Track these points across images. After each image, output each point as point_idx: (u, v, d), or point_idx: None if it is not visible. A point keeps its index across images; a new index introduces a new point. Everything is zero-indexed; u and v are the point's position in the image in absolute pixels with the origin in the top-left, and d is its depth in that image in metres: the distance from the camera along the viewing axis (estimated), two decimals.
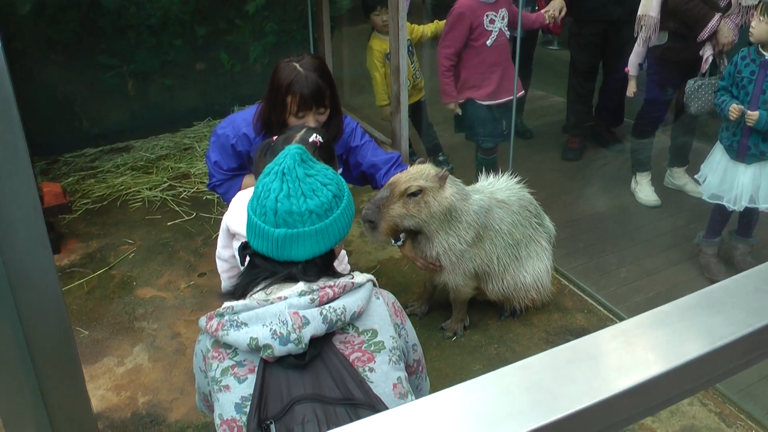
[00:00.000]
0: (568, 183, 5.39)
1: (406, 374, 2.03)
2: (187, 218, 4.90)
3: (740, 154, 3.98)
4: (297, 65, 3.18)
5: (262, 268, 1.96)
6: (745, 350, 0.89)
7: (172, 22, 5.81)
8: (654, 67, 4.80)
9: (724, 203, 4.09)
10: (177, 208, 5.01)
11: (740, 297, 0.92)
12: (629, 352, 0.84)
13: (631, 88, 4.91)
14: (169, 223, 4.85)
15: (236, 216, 2.92)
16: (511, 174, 3.80)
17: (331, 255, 2.02)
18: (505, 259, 3.56)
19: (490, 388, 0.78)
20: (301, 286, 1.89)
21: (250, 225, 1.95)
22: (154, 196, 5.16)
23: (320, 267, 1.97)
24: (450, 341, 3.73)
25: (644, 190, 5.08)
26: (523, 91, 4.96)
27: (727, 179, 4.06)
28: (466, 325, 3.79)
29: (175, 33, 5.87)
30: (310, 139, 2.62)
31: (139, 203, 5.09)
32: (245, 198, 2.91)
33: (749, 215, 4.18)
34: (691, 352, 0.83)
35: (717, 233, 4.31)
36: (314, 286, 1.90)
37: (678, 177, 5.14)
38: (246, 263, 2.05)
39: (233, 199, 2.99)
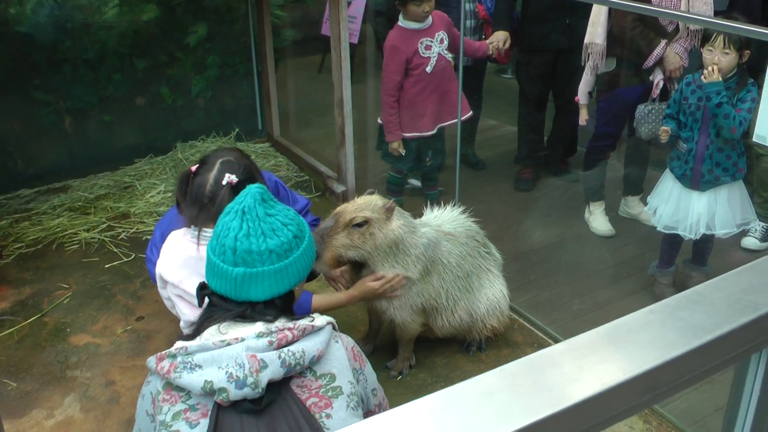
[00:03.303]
0: (520, 214, 5.41)
1: None
2: (125, 260, 4.81)
3: (694, 181, 4.01)
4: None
5: (219, 307, 1.95)
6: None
7: (110, 56, 5.77)
8: (603, 94, 4.85)
9: (679, 233, 4.11)
10: (115, 250, 4.92)
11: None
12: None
13: (583, 117, 4.95)
14: (106, 266, 4.76)
15: (167, 264, 2.86)
16: (457, 204, 3.80)
17: (290, 296, 2.02)
18: (455, 293, 3.55)
19: (451, 400, 0.82)
20: (259, 326, 1.88)
21: (209, 265, 1.96)
22: (92, 238, 5.07)
23: (279, 308, 1.97)
24: (395, 381, 3.68)
25: (598, 219, 5.10)
26: (471, 112, 4.97)
27: (681, 208, 4.08)
28: (412, 364, 3.75)
29: (113, 67, 5.82)
30: (224, 181, 2.60)
31: (76, 246, 4.99)
32: (173, 244, 2.86)
33: (703, 243, 4.21)
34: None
35: (670, 263, 4.34)
36: (273, 327, 1.89)
37: (632, 206, 5.17)
38: (205, 304, 2.03)
39: (164, 245, 2.94)
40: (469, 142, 5.99)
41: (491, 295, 3.68)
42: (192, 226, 2.76)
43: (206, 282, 2.03)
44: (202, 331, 1.94)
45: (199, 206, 2.65)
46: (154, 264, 3.43)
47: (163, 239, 3.27)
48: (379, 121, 4.83)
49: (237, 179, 2.60)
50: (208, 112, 6.35)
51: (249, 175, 2.67)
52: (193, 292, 2.77)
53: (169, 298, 2.98)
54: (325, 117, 6.09)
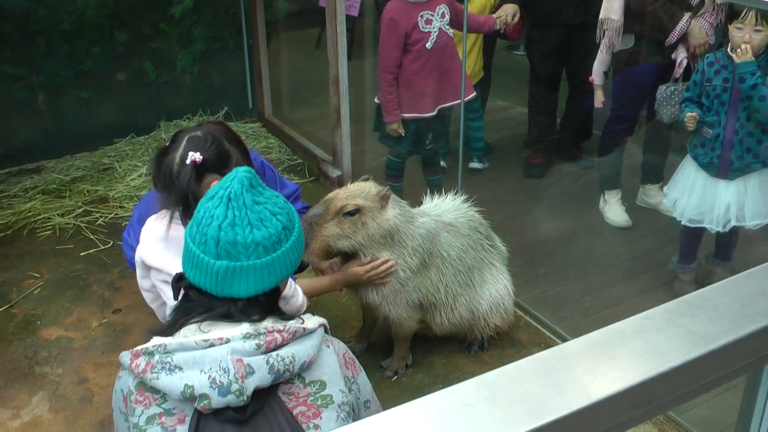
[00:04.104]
0: (528, 203, 5.39)
1: None
2: (102, 247, 4.81)
3: (722, 169, 3.96)
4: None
5: (197, 303, 1.90)
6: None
7: (88, 27, 5.73)
8: (620, 74, 4.81)
9: (705, 226, 4.07)
10: (92, 236, 4.91)
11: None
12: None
13: (599, 99, 4.91)
14: (82, 254, 4.75)
15: (149, 248, 2.84)
16: (459, 192, 3.78)
17: (276, 293, 1.96)
18: (455, 288, 3.53)
19: (447, 402, 0.81)
20: (246, 327, 1.83)
21: (188, 254, 1.90)
22: (67, 223, 5.06)
23: (264, 306, 1.91)
24: (390, 381, 3.68)
25: (613, 209, 5.07)
26: (474, 93, 4.95)
27: (706, 199, 4.03)
28: (408, 364, 3.75)
29: (91, 39, 5.79)
30: (188, 160, 2.58)
31: (49, 231, 4.99)
32: (152, 228, 2.84)
33: (727, 236, 4.17)
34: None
35: (691, 257, 4.30)
36: (261, 328, 1.83)
37: (652, 195, 5.14)
38: (180, 296, 1.99)
39: (143, 229, 2.92)
40: None
41: (494, 290, 3.66)
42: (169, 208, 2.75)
43: (183, 273, 1.97)
44: (179, 328, 1.91)
45: (170, 187, 2.65)
46: (131, 247, 3.43)
47: (141, 221, 3.27)
48: (376, 100, 4.79)
49: (201, 157, 2.58)
50: (195, 89, 6.32)
51: (219, 151, 2.65)
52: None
53: (150, 290, 2.97)
54: (321, 96, 6.04)
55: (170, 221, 2.67)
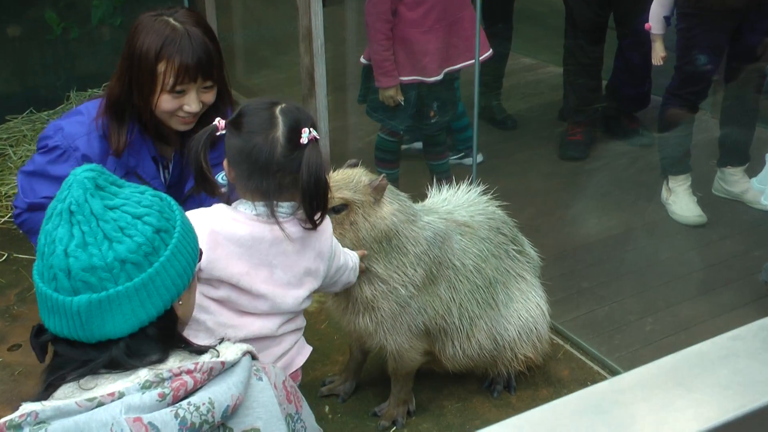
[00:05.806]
0: (567, 194, 5.42)
1: None
2: None
3: None
4: (170, 19, 3.16)
5: (68, 358, 1.87)
6: None
7: None
8: (687, 20, 4.81)
9: None
10: None
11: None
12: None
13: (658, 53, 4.92)
14: None
15: (220, 255, 2.71)
16: (475, 182, 3.80)
17: (169, 318, 1.94)
18: (471, 309, 3.55)
19: None
20: (144, 374, 1.81)
21: (40, 297, 1.86)
22: None
23: (156, 340, 1.90)
24: None
25: (681, 201, 5.09)
26: (490, 50, 4.96)
27: None
28: (410, 410, 3.77)
29: None
30: (303, 139, 2.65)
31: None
32: (227, 225, 2.74)
33: None
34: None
35: None
36: (164, 371, 1.82)
37: (733, 181, 5.15)
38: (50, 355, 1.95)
39: (205, 235, 2.84)
40: (494, 89, 5.97)
41: (524, 311, 3.69)
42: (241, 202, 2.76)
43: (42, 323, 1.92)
44: (53, 390, 1.85)
45: (270, 176, 2.69)
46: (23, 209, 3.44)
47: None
48: (362, 60, 4.81)
49: (317, 135, 2.68)
50: (116, 47, 6.30)
51: (315, 124, 2.76)
52: (259, 287, 2.76)
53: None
54: (288, 55, 6.07)
55: (273, 215, 2.70)
